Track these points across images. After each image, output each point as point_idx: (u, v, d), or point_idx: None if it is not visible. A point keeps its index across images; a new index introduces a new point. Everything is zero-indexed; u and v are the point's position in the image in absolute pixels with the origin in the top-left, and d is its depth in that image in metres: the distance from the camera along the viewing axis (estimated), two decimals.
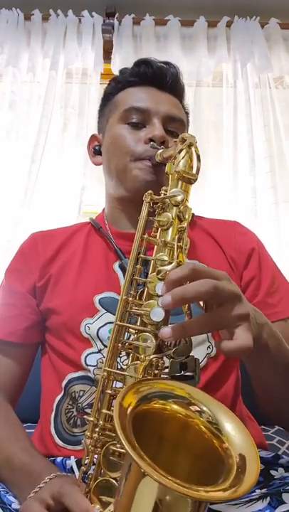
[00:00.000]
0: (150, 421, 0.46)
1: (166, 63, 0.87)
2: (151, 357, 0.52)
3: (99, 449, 0.53)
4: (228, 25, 1.88)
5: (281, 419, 0.75)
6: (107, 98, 0.90)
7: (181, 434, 0.47)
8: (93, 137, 0.93)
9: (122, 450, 0.51)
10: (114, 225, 0.86)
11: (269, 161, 1.74)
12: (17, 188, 1.70)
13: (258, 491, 0.58)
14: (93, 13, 1.87)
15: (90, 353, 0.73)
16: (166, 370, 0.52)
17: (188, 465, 0.47)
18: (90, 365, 0.72)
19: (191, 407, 0.47)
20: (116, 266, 0.79)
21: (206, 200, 1.76)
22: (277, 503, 0.53)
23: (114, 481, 0.50)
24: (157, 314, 0.53)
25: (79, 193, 1.70)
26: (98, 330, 0.73)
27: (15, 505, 0.59)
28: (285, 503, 0.53)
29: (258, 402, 0.73)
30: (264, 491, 0.57)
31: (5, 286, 0.85)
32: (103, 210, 0.92)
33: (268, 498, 0.54)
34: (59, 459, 0.70)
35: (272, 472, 0.62)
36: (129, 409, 0.43)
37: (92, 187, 1.70)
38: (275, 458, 0.66)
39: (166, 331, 0.49)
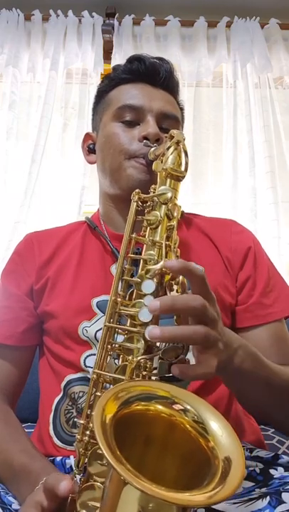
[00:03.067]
0: (135, 424, 0.45)
1: (160, 59, 0.85)
2: (139, 358, 0.51)
3: (89, 452, 0.52)
4: (228, 25, 1.88)
5: (266, 421, 0.75)
6: (101, 96, 0.88)
7: (167, 435, 0.46)
8: (87, 135, 0.91)
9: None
10: (110, 225, 0.85)
11: (269, 161, 1.75)
12: (17, 188, 1.70)
13: (257, 490, 0.58)
14: (93, 14, 1.88)
15: (89, 355, 0.73)
16: (155, 372, 0.51)
17: (175, 466, 0.46)
18: (90, 367, 0.72)
19: (175, 407, 0.46)
20: (113, 268, 0.78)
21: (206, 201, 1.76)
22: (277, 503, 0.53)
23: (101, 485, 0.50)
24: (145, 315, 0.52)
25: (79, 193, 1.70)
26: (96, 333, 0.73)
27: (15, 505, 0.59)
28: (285, 502, 0.53)
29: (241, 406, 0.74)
30: (264, 490, 0.57)
31: (1, 288, 0.84)
32: (98, 209, 0.91)
33: (268, 498, 0.54)
34: (58, 459, 0.70)
35: (272, 471, 0.61)
36: (112, 414, 0.42)
37: (92, 187, 1.70)
38: (275, 458, 0.66)
39: (154, 332, 0.48)
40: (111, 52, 1.84)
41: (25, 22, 1.88)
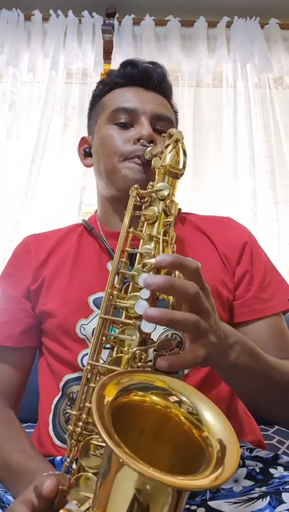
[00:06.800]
0: (130, 414, 0.46)
1: (152, 63, 0.87)
2: (134, 349, 0.52)
3: (81, 444, 0.53)
4: (228, 25, 1.89)
5: (267, 417, 0.75)
6: (95, 100, 0.90)
7: (161, 426, 0.47)
8: (83, 140, 0.93)
9: (101, 444, 0.50)
10: (106, 225, 0.86)
11: (269, 162, 1.75)
12: (17, 188, 1.70)
13: (257, 490, 0.58)
14: (93, 14, 1.88)
15: (86, 354, 0.73)
16: (150, 364, 0.52)
17: (169, 457, 0.46)
18: None
19: (170, 398, 0.47)
20: (109, 265, 0.79)
21: (206, 201, 1.76)
22: (277, 503, 0.53)
23: (93, 476, 0.50)
24: (141, 307, 0.52)
25: (79, 193, 1.71)
26: (93, 330, 0.73)
27: None
28: (285, 502, 0.52)
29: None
30: (264, 489, 0.57)
31: None
32: (96, 211, 0.92)
33: (268, 498, 0.54)
34: (58, 458, 0.70)
35: (272, 471, 0.61)
36: (109, 401, 0.42)
37: (92, 187, 1.69)
38: (275, 458, 0.65)
39: (152, 311, 0.48)
40: (111, 52, 1.84)
41: (25, 22, 1.89)
